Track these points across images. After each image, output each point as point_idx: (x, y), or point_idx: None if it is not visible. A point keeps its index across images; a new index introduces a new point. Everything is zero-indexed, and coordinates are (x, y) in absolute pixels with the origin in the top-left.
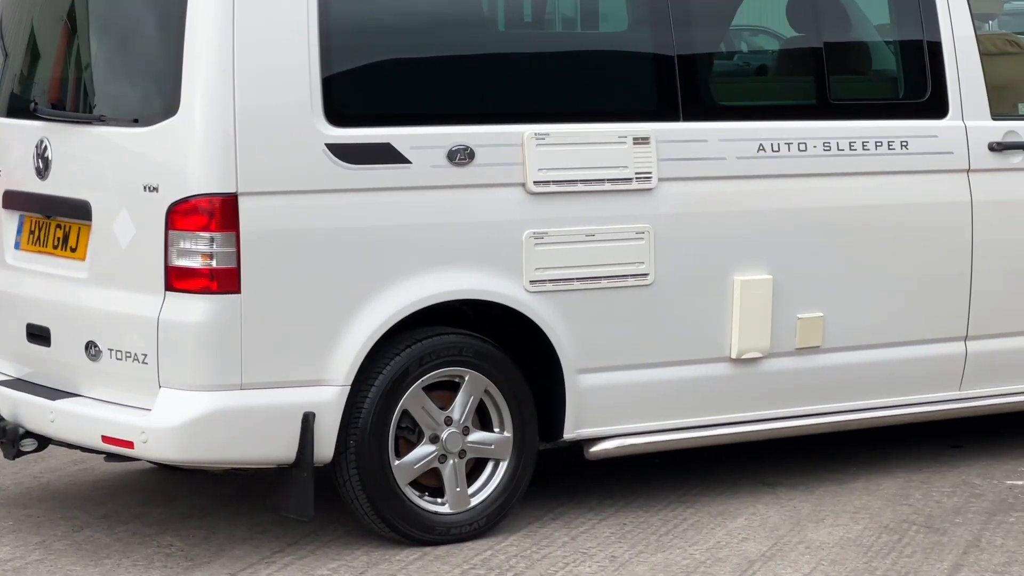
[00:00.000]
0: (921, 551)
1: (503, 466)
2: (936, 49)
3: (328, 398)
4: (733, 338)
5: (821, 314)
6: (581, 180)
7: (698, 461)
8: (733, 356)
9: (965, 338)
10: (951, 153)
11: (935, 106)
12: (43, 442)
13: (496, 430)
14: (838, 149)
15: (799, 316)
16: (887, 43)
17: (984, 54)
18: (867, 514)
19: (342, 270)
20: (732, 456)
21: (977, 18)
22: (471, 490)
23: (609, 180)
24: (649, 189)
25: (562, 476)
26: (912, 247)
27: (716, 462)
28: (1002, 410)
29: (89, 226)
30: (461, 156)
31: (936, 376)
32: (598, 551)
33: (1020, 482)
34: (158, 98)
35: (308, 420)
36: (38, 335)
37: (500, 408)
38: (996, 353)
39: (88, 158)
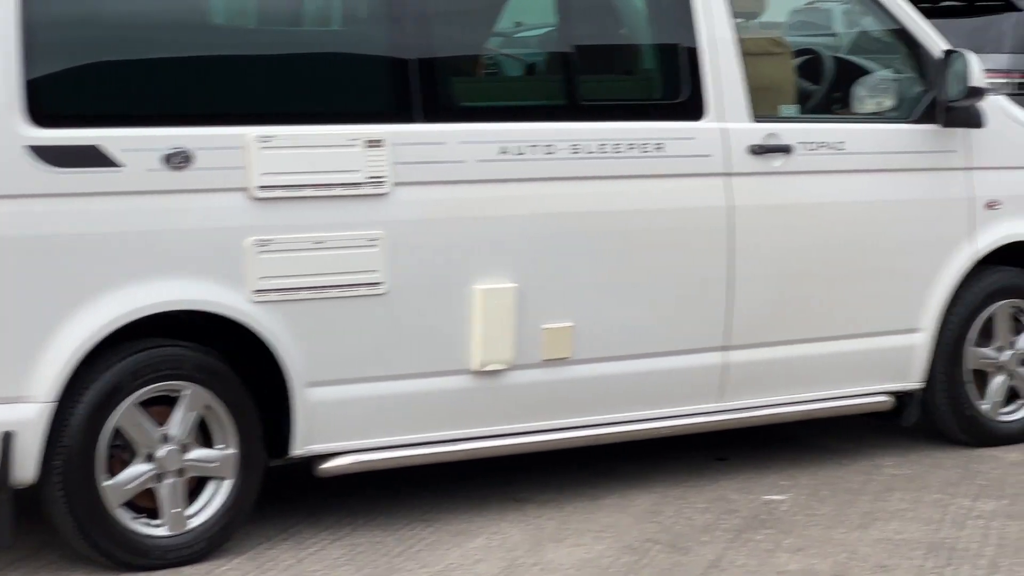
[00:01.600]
0: (659, 572)
1: (226, 485)
2: (693, 49)
3: (30, 416)
4: (474, 349)
5: (570, 324)
6: (309, 185)
7: (451, 477)
8: (475, 368)
9: (725, 348)
10: (709, 156)
11: (692, 107)
12: None
13: (219, 447)
14: (587, 152)
15: (545, 326)
16: (642, 43)
17: (746, 54)
18: (613, 532)
19: (45, 280)
20: (487, 471)
21: (740, 17)
22: (191, 511)
23: (339, 185)
24: (383, 194)
25: (304, 493)
26: (668, 254)
27: (469, 478)
28: (765, 422)
29: None
30: (178, 159)
31: (695, 387)
32: (322, 575)
33: (778, 497)
34: None
35: (6, 439)
36: None
37: (223, 424)
38: (758, 363)
39: None
